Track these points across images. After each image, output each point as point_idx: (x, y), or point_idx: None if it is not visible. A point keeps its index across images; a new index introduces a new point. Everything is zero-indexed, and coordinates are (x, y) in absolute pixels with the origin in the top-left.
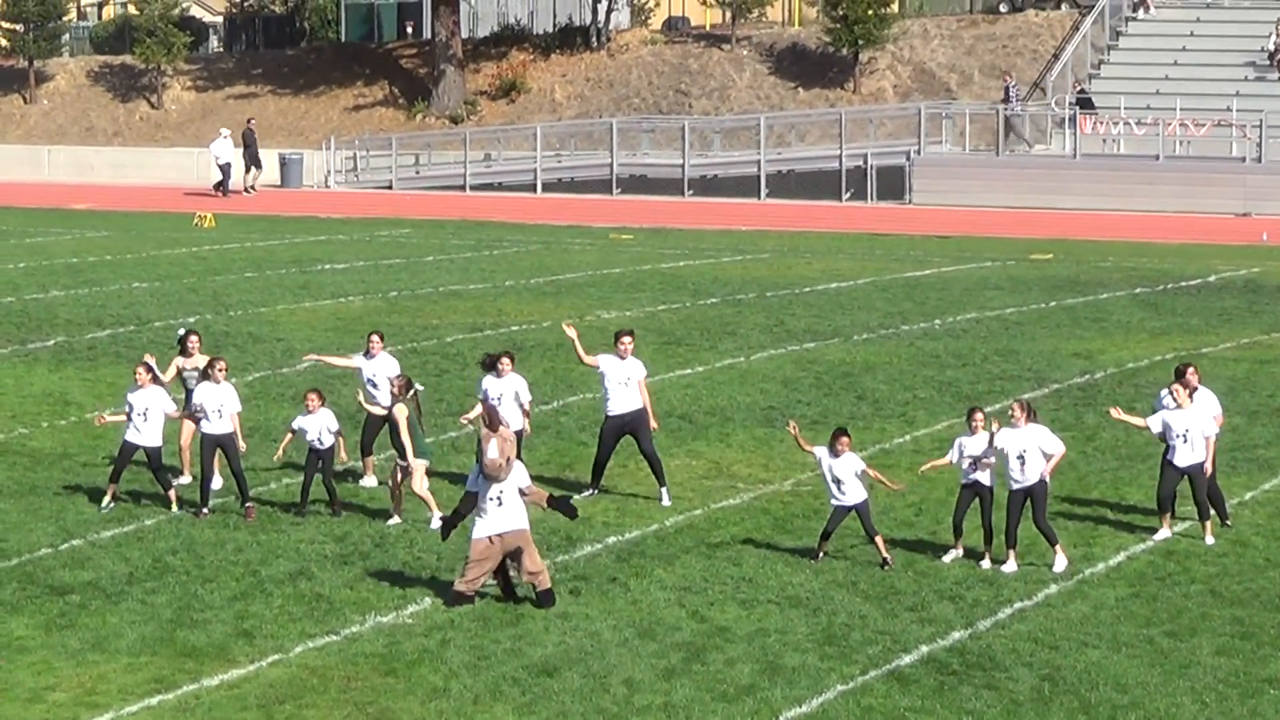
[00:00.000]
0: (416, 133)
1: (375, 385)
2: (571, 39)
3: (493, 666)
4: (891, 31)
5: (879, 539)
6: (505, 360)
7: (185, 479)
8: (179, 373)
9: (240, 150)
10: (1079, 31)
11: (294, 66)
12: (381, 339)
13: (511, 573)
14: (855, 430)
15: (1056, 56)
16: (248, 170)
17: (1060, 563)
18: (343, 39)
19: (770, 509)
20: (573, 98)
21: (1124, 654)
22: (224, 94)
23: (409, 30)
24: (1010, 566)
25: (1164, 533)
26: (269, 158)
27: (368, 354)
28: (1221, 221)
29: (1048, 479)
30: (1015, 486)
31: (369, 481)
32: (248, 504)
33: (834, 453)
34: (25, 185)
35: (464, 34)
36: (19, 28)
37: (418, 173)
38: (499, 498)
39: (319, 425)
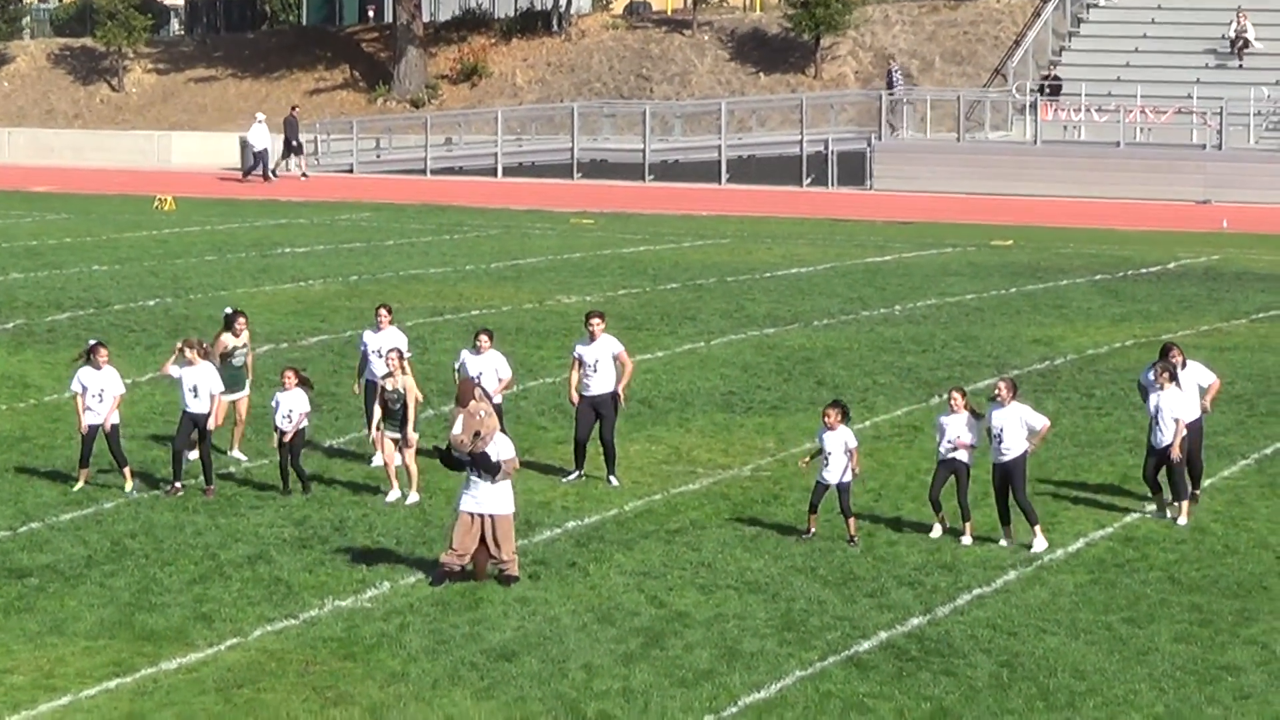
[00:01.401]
0: (377, 116)
1: (381, 355)
2: (533, 23)
3: (451, 651)
4: (853, 17)
5: (852, 521)
6: (484, 337)
7: (236, 453)
8: (225, 351)
9: (271, 136)
10: (1040, 18)
11: (255, 50)
12: (390, 312)
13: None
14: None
15: (1018, 43)
16: (285, 156)
17: (1039, 543)
18: (304, 22)
19: (730, 494)
20: (534, 82)
21: (1082, 640)
22: (185, 77)
23: (370, 14)
24: (1005, 541)
25: (1183, 519)
26: (228, 141)
27: (376, 327)
28: (1182, 208)
29: (1030, 453)
30: (997, 460)
31: (379, 460)
32: (210, 485)
33: (826, 426)
34: None
35: (425, 17)
36: None
37: (378, 156)
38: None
39: (289, 404)
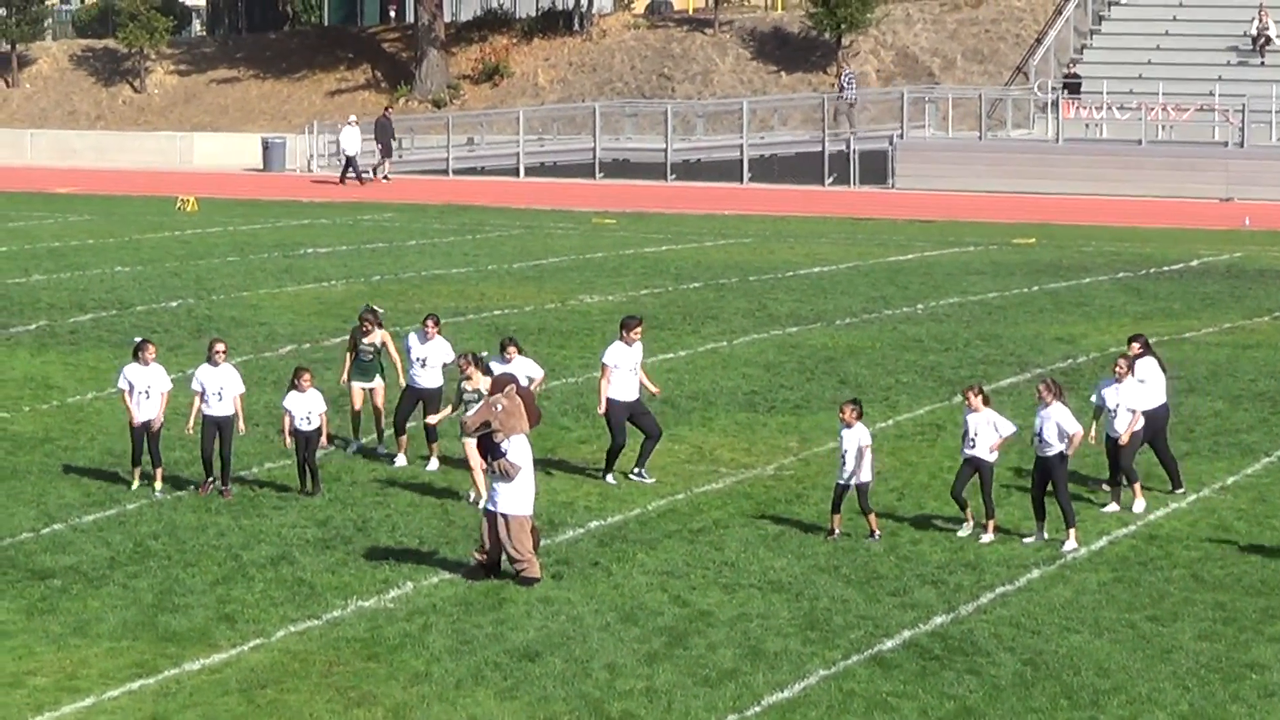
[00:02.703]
0: (399, 117)
1: (425, 365)
2: (554, 23)
3: (475, 651)
4: (874, 15)
5: (872, 516)
6: (511, 349)
7: (401, 461)
8: (356, 346)
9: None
10: (1062, 16)
11: (277, 50)
12: (437, 324)
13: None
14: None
15: (1039, 41)
16: (385, 157)
17: (1070, 545)
18: (325, 23)
19: (753, 493)
20: (555, 82)
21: (1106, 638)
22: (207, 78)
23: (391, 14)
24: (1033, 538)
25: (1139, 503)
26: (250, 141)
27: (423, 336)
28: (1204, 206)
29: (1068, 455)
30: (1039, 455)
31: (401, 461)
32: (227, 486)
33: (844, 423)
34: (7, 169)
35: (447, 18)
36: (1, 11)
37: (400, 156)
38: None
39: (307, 406)
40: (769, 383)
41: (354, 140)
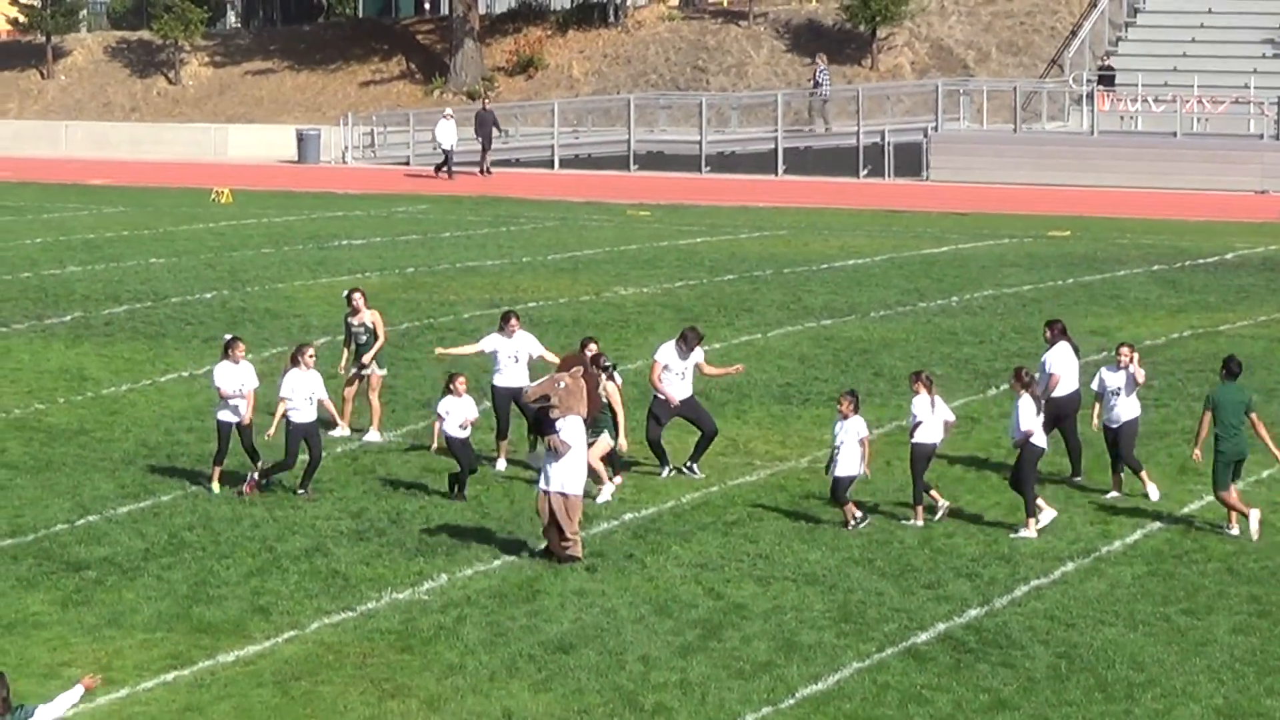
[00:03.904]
0: (434, 109)
1: (517, 360)
2: (589, 15)
3: (509, 643)
4: (909, 8)
5: (848, 506)
6: (513, 320)
7: (343, 430)
8: (349, 331)
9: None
10: (1097, 8)
11: (311, 42)
12: (518, 319)
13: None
14: (872, 407)
15: (1074, 33)
16: (486, 150)
17: (1153, 492)
18: (360, 14)
19: (787, 486)
20: (590, 74)
21: (1140, 632)
22: (241, 69)
23: (426, 6)
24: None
25: (1153, 491)
26: (285, 133)
27: (506, 332)
28: (1239, 198)
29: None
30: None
31: (501, 465)
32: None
33: (841, 415)
34: (43, 161)
35: (481, 9)
36: (36, 3)
37: (435, 149)
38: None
39: (463, 412)
40: (803, 375)
41: (450, 133)
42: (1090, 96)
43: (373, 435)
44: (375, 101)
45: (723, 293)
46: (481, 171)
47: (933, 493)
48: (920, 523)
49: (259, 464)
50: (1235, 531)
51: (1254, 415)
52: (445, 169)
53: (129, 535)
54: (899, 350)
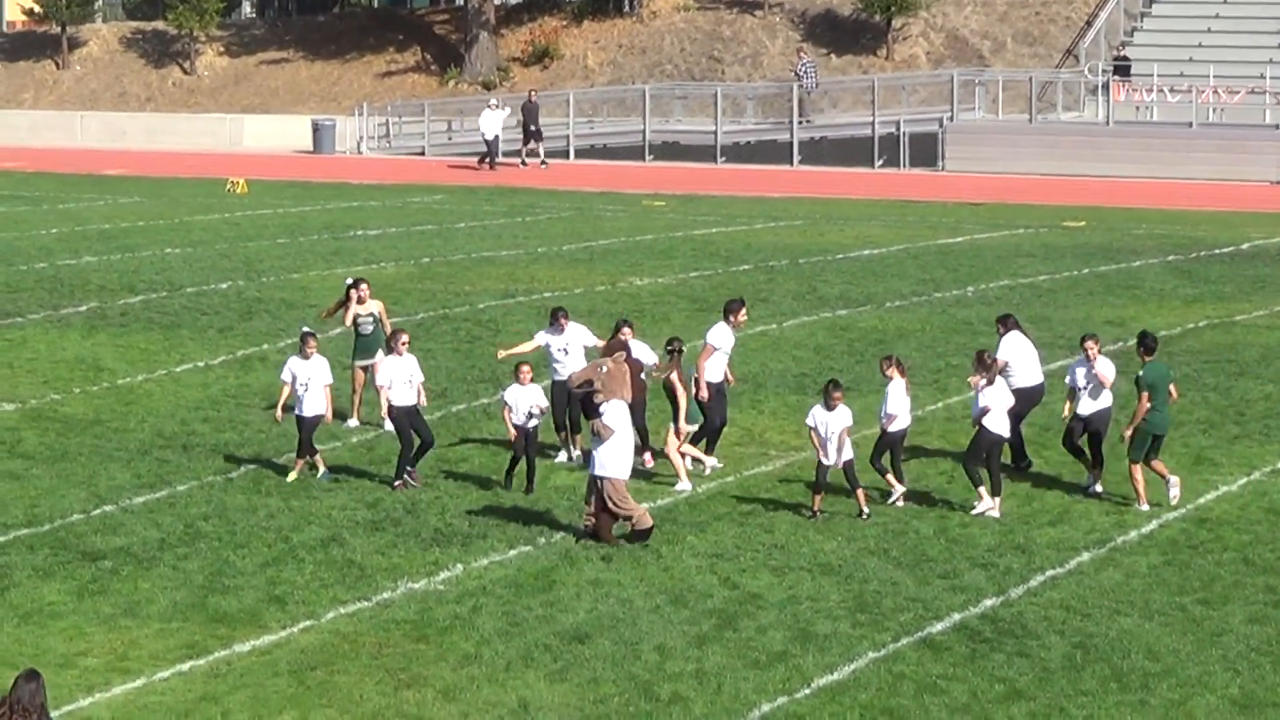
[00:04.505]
0: (449, 99)
1: (567, 353)
2: (604, 5)
3: (524, 633)
4: None
5: (860, 492)
6: (562, 318)
7: (353, 422)
8: (355, 319)
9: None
10: None
11: (326, 32)
12: (567, 316)
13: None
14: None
15: (1089, 23)
16: (527, 141)
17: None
18: (375, 4)
19: (803, 476)
20: (605, 64)
21: (1156, 622)
22: (256, 59)
23: None
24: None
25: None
26: (300, 123)
27: (556, 328)
28: (1255, 189)
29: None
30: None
31: (564, 457)
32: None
33: (828, 406)
34: (58, 151)
35: (496, 0)
36: None
37: (450, 139)
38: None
39: (529, 400)
40: (819, 365)
41: (492, 124)
42: (1106, 87)
43: (388, 425)
44: (390, 92)
45: (738, 283)
46: (521, 162)
47: (888, 477)
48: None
49: (307, 457)
50: (1145, 507)
51: (1173, 386)
52: (490, 160)
53: (145, 525)
54: (914, 340)
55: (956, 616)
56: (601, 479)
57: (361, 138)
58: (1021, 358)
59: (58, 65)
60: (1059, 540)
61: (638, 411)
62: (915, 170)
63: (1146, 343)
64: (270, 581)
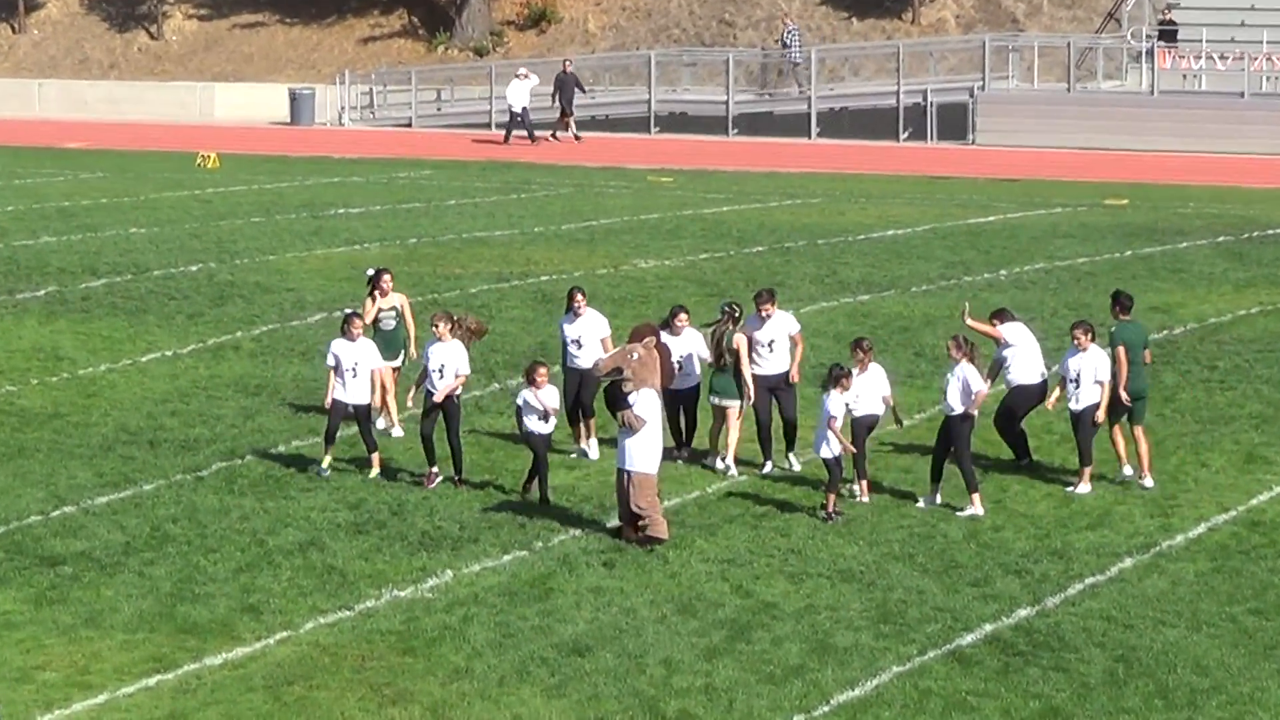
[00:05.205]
0: (438, 66)
1: (580, 345)
2: None
3: (519, 645)
4: None
5: (832, 496)
6: (580, 297)
7: (381, 423)
8: (376, 315)
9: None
10: None
11: None
12: (585, 296)
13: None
14: (914, 389)
15: None
16: (564, 115)
17: (974, 509)
18: None
19: (821, 476)
20: (607, 28)
21: (1204, 633)
22: (229, 23)
23: None
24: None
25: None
26: (276, 92)
27: (573, 314)
28: None
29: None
30: (947, 415)
31: (591, 450)
32: (458, 476)
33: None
34: (13, 122)
35: None
36: None
37: (439, 110)
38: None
39: (544, 404)
40: (839, 355)
41: (519, 95)
42: (1150, 53)
43: (397, 431)
44: (374, 58)
45: (751, 265)
46: (552, 135)
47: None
48: (867, 498)
49: (374, 453)
50: (1129, 472)
51: (1148, 350)
52: (528, 133)
53: (108, 528)
54: (942, 328)
55: (988, 628)
56: (629, 473)
57: (343, 108)
58: (1023, 350)
59: (13, 29)
60: (1099, 545)
61: (689, 405)
62: (943, 144)
63: (1122, 301)
64: (244, 589)
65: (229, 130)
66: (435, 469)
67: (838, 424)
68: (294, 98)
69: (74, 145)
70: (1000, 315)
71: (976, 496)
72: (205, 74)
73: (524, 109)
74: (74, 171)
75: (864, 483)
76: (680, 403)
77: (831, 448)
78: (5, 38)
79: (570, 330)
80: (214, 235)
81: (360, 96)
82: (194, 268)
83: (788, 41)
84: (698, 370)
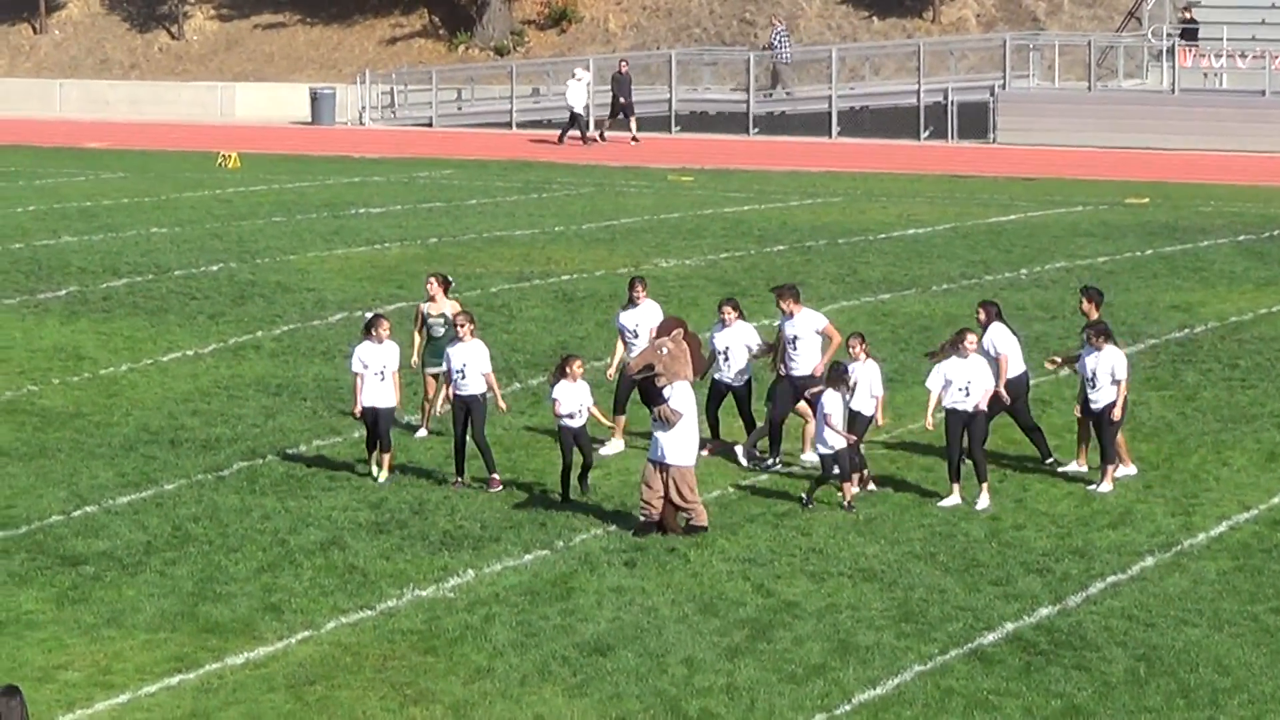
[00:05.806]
0: (459, 66)
1: (637, 336)
2: None
3: (541, 644)
4: None
5: (848, 486)
6: (640, 288)
7: (422, 433)
8: (424, 320)
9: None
10: None
11: None
12: (645, 287)
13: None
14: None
15: None
16: (614, 115)
17: (984, 501)
18: None
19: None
20: (628, 28)
21: (1226, 633)
22: (250, 23)
23: None
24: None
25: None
26: (297, 92)
27: (631, 303)
28: None
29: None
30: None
31: (616, 446)
32: (493, 474)
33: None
34: (35, 122)
35: None
36: None
37: (460, 109)
38: (663, 425)
39: (578, 399)
40: None
41: (578, 95)
42: (1171, 51)
43: (422, 433)
44: (395, 58)
45: (772, 265)
46: (600, 136)
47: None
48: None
49: (387, 454)
50: (1075, 467)
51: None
52: (583, 132)
53: (129, 527)
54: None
55: (1009, 626)
56: (669, 467)
57: (364, 108)
58: (1012, 346)
59: (34, 29)
60: (1120, 544)
61: (742, 402)
62: (964, 143)
63: (1090, 294)
64: (265, 588)
65: (250, 130)
66: (461, 479)
67: (835, 420)
68: (315, 97)
69: (95, 145)
70: (987, 308)
71: (985, 486)
72: (226, 74)
73: (585, 107)
74: (95, 171)
75: (864, 473)
76: (730, 397)
77: (831, 443)
78: (26, 38)
79: (626, 319)
80: (235, 235)
81: (381, 96)
82: (215, 267)
83: (776, 43)
84: (744, 364)
